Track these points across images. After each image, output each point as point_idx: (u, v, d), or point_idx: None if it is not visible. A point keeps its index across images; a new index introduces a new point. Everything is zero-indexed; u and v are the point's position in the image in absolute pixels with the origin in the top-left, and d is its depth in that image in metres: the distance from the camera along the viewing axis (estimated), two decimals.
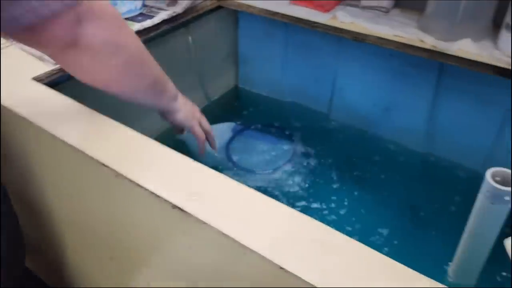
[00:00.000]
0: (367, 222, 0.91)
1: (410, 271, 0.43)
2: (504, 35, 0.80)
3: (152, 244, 0.61)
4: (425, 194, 0.99)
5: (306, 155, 1.07)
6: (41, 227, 0.84)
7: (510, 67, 0.78)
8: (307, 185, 0.99)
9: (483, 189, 0.71)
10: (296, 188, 0.97)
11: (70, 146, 0.59)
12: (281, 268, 0.43)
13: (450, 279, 0.79)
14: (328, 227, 0.48)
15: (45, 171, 0.72)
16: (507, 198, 0.68)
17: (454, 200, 0.96)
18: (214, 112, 1.20)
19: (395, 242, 0.87)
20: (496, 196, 0.70)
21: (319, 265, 0.44)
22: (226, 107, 1.25)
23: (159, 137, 1.00)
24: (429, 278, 0.43)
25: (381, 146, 1.10)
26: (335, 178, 1.01)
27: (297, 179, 1.00)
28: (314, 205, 0.93)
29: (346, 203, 0.94)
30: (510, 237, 0.35)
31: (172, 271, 0.61)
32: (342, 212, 0.92)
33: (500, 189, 0.69)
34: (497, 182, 0.71)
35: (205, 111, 1.17)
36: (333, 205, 0.94)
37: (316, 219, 0.48)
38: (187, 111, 0.74)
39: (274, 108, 1.23)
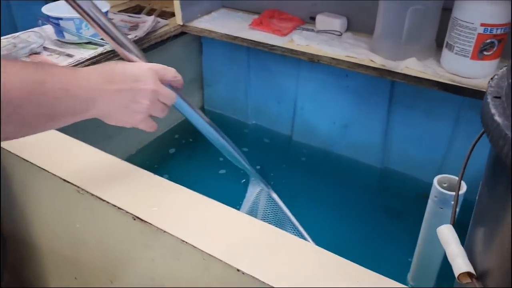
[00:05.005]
0: (329, 234, 0.94)
1: (367, 272, 0.47)
2: (446, 53, 0.87)
3: (116, 261, 0.62)
4: (383, 206, 1.04)
5: (270, 172, 1.10)
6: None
7: (452, 83, 0.85)
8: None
9: (432, 194, 0.76)
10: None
11: (34, 165, 0.60)
12: (238, 270, 0.46)
13: (410, 284, 0.83)
14: (281, 231, 0.50)
15: (15, 191, 0.72)
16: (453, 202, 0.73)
17: (410, 211, 1.01)
18: (183, 132, 1.25)
19: (357, 252, 0.90)
20: (443, 201, 0.75)
21: (275, 266, 0.46)
22: (194, 128, 1.28)
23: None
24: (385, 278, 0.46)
25: (341, 163, 1.15)
26: (297, 194, 1.05)
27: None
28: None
29: (308, 217, 0.97)
30: (442, 226, 0.39)
31: (137, 286, 0.62)
32: (303, 225, 0.95)
33: (446, 194, 0.74)
34: (444, 188, 0.76)
35: (174, 131, 1.23)
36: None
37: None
38: (120, 111, 0.52)
39: (239, 129, 1.27)
